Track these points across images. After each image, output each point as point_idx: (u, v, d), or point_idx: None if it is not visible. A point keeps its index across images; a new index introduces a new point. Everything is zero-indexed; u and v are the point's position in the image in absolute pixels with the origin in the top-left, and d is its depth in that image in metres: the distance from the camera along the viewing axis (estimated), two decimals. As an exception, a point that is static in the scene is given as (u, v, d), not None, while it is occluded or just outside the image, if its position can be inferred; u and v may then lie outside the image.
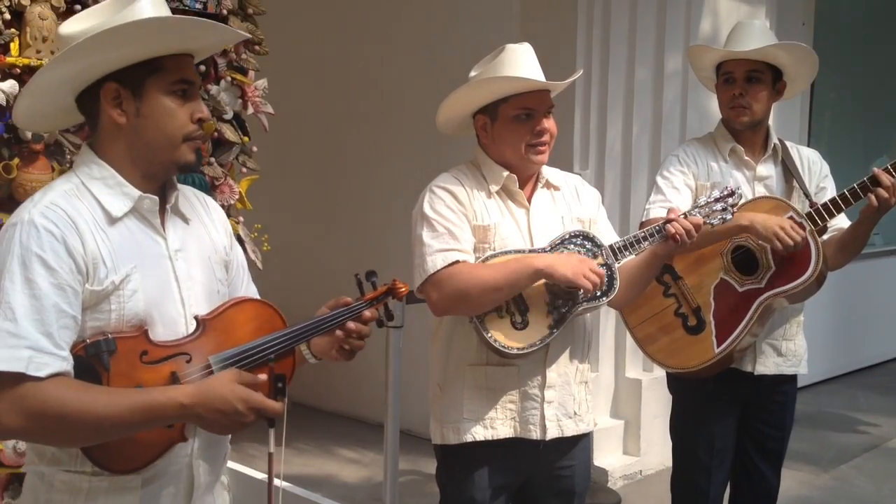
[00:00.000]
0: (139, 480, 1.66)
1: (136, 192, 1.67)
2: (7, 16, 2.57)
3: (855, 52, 7.21)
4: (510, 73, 2.34)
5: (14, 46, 2.60)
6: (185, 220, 1.79)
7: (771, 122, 3.05)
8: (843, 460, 5.11)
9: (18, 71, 2.58)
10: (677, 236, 2.31)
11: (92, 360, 1.57)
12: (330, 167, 5.87)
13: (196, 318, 1.70)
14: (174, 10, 2.88)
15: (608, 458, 4.79)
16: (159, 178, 1.73)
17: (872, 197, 2.73)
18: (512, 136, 2.38)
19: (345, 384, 5.49)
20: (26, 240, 1.54)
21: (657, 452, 4.82)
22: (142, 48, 1.63)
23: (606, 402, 4.94)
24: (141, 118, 1.66)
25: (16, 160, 2.62)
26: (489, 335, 2.29)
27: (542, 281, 2.32)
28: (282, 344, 1.73)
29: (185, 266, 1.73)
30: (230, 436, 1.86)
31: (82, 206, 1.63)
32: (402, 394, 3.43)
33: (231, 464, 3.75)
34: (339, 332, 1.80)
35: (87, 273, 1.58)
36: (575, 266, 2.24)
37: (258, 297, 1.91)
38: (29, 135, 2.62)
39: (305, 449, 5.06)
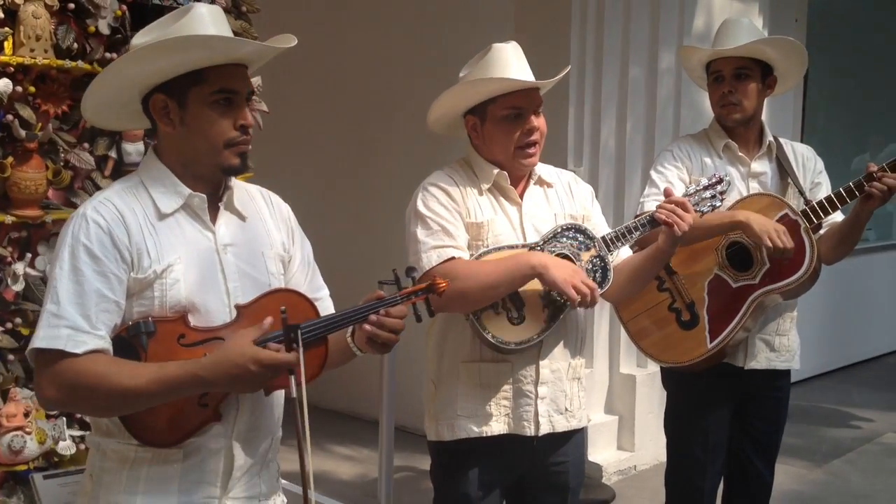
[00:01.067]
0: (181, 454, 1.78)
1: (187, 191, 1.82)
2: (0, 14, 2.57)
3: (848, 48, 7.24)
4: (497, 74, 2.34)
5: (8, 45, 2.59)
6: (241, 217, 1.90)
7: (764, 118, 3.06)
8: (836, 455, 5.14)
9: (12, 69, 2.57)
10: (668, 220, 2.30)
11: (132, 340, 1.72)
12: (325, 165, 5.87)
13: (236, 306, 1.80)
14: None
15: (602, 453, 4.81)
16: (209, 180, 1.86)
17: (873, 189, 2.73)
18: (501, 137, 2.37)
19: (340, 381, 5.47)
20: (77, 231, 1.73)
21: (651, 448, 4.83)
22: (176, 62, 1.76)
23: (601, 398, 4.96)
24: (185, 126, 1.81)
25: (10, 159, 2.61)
26: (486, 331, 2.29)
27: None
28: (309, 332, 1.77)
29: (233, 260, 1.85)
30: (279, 423, 1.96)
31: (136, 202, 1.79)
32: (398, 390, 3.43)
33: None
34: (366, 326, 1.81)
35: (131, 262, 1.75)
36: (568, 274, 2.24)
37: (325, 291, 2.05)
38: (23, 133, 2.62)
39: (301, 446, 5.04)
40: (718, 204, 2.46)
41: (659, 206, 2.34)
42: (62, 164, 2.74)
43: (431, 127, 2.55)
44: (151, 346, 1.71)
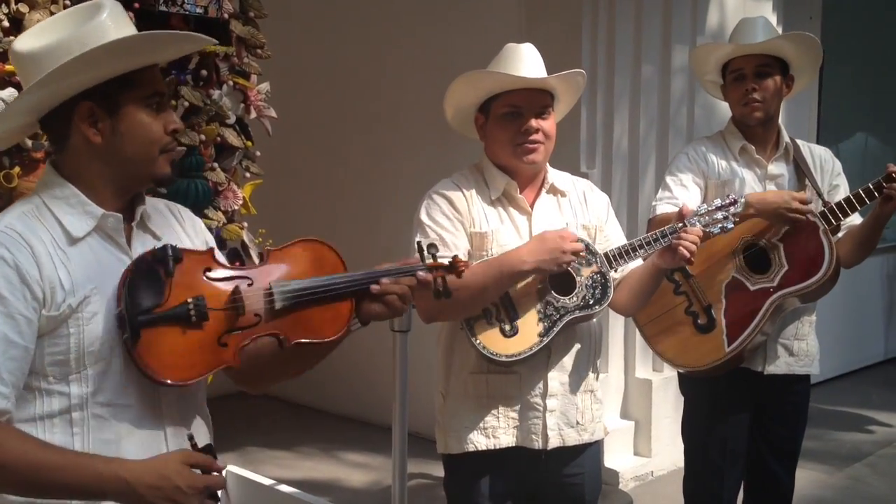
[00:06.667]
0: None
1: (100, 211, 1.63)
2: (6, 23, 2.56)
3: (863, 46, 7.16)
4: (499, 70, 2.31)
5: (13, 53, 2.58)
6: (156, 236, 1.73)
7: (780, 118, 3.01)
8: (856, 458, 5.06)
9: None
10: (687, 254, 2.25)
11: (157, 264, 1.61)
12: (334, 170, 5.85)
13: (265, 249, 1.78)
14: (174, 15, 2.88)
15: (619, 459, 4.76)
16: (133, 193, 1.71)
17: (892, 191, 2.68)
18: (501, 134, 2.35)
19: (353, 387, 5.47)
20: None
21: (668, 453, 4.78)
22: (119, 66, 1.60)
23: (616, 403, 4.91)
24: (117, 135, 1.63)
25: (16, 169, 2.60)
26: (477, 342, 2.27)
27: (535, 290, 2.30)
28: (343, 286, 1.76)
29: None
30: None
31: (41, 227, 1.58)
32: (412, 396, 3.39)
33: (233, 468, 3.75)
34: (374, 287, 1.78)
35: (43, 299, 1.54)
36: (556, 255, 2.22)
37: None
38: (29, 143, 2.60)
39: (313, 453, 5.02)
40: (730, 226, 2.36)
41: (681, 244, 2.25)
42: (69, 172, 2.72)
43: (452, 123, 2.53)
44: (177, 274, 1.60)
